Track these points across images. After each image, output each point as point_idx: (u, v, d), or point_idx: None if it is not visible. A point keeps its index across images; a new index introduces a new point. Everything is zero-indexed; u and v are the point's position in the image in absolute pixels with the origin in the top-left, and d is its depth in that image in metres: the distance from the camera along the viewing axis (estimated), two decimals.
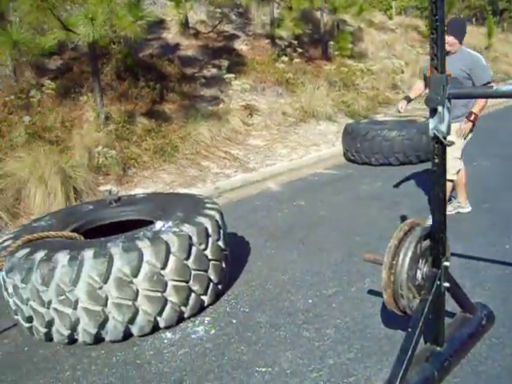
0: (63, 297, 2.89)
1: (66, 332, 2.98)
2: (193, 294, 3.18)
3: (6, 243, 3.34)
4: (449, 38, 4.26)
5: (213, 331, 3.12)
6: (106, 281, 2.87)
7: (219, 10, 12.11)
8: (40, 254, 2.97)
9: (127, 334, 3.04)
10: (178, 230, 3.14)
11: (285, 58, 11.17)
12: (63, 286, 2.87)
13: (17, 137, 6.34)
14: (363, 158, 7.22)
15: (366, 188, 6.12)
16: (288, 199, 5.90)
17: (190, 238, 3.13)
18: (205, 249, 3.23)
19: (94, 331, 2.96)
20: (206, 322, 3.23)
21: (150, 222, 3.61)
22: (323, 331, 3.02)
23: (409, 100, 4.84)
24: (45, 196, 5.49)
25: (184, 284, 3.10)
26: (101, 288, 2.87)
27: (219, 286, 3.45)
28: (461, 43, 4.44)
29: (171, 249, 3.02)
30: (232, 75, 9.60)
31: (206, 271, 3.24)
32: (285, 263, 4.04)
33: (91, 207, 3.98)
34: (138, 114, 7.73)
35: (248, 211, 5.55)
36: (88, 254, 2.90)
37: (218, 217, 3.47)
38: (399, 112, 4.95)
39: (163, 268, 2.99)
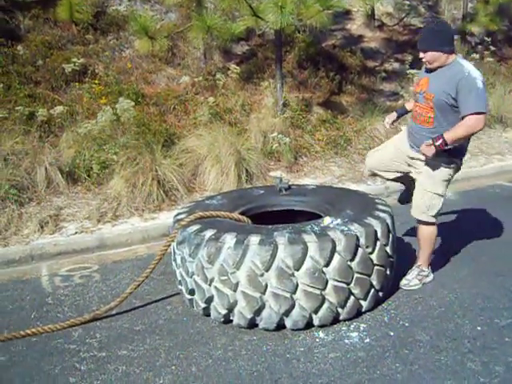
0: (225, 277, 2.95)
1: (223, 311, 3.05)
2: (352, 297, 3.05)
3: (179, 216, 3.53)
4: (426, 54, 3.24)
5: (367, 340, 2.96)
6: (267, 269, 2.87)
7: (407, 3, 11.54)
8: (209, 233, 3.07)
9: (280, 326, 3.02)
10: (346, 228, 3.03)
11: (475, 56, 10.30)
12: (227, 266, 2.93)
13: (201, 115, 6.73)
14: None
15: None
16: (462, 210, 5.43)
17: (358, 239, 3.00)
18: (371, 252, 3.07)
19: (249, 316, 2.99)
20: (361, 328, 3.08)
21: (317, 215, 3.55)
22: (491, 367, 2.69)
23: (402, 113, 3.82)
24: (218, 174, 5.74)
25: (344, 285, 2.98)
26: (262, 275, 2.88)
27: (380, 294, 3.26)
28: (452, 53, 3.24)
29: (337, 247, 2.92)
30: (415, 71, 9.10)
31: (369, 276, 3.08)
32: (453, 281, 3.70)
33: (261, 192, 4.03)
34: (315, 103, 7.71)
35: None
36: (254, 239, 2.93)
37: (389, 221, 3.27)
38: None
39: (326, 266, 2.90)
